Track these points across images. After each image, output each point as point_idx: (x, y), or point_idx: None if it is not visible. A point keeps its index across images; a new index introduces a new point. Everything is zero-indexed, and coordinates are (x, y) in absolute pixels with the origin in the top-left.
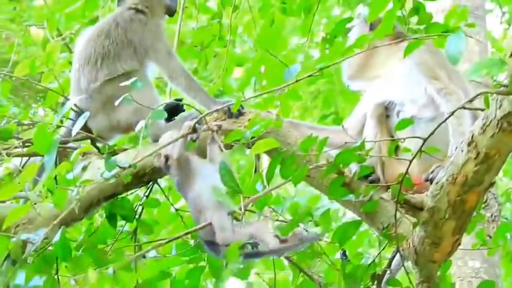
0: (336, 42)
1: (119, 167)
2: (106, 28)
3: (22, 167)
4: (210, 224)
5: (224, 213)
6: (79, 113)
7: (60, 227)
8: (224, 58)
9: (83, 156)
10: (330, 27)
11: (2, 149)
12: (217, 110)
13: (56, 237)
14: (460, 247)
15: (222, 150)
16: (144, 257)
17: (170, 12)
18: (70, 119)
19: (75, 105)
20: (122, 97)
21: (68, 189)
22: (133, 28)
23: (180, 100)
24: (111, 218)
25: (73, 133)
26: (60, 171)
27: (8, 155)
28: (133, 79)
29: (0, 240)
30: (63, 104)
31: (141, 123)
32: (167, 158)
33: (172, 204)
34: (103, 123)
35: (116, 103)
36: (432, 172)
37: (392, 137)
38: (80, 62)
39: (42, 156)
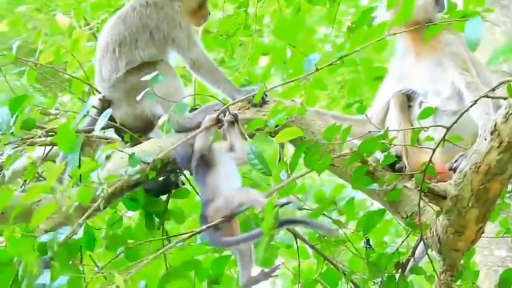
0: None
1: (143, 162)
2: (123, 14)
3: (45, 157)
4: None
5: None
6: (104, 102)
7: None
8: (250, 47)
9: (107, 144)
10: (357, 17)
11: (25, 138)
12: (240, 100)
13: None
14: (484, 236)
15: (245, 139)
16: (171, 247)
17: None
18: (95, 107)
19: (99, 93)
20: (144, 91)
21: (92, 186)
22: (148, 13)
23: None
24: (148, 219)
25: (96, 129)
26: (85, 170)
27: (32, 144)
28: (155, 73)
29: (26, 240)
30: (88, 93)
31: (164, 117)
32: (191, 149)
33: (197, 193)
34: (126, 112)
35: (138, 98)
36: (455, 161)
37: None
38: (101, 51)
39: None
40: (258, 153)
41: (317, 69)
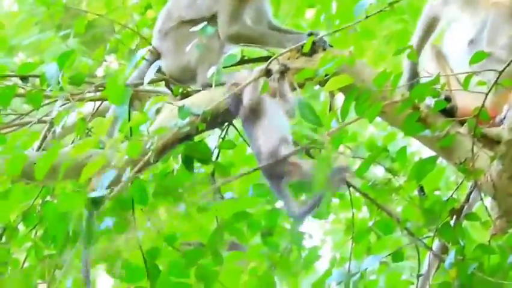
0: None
1: (193, 114)
2: None
3: (95, 112)
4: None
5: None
6: (154, 54)
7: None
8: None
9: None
10: None
11: (74, 94)
12: (289, 50)
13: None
14: None
15: (295, 89)
16: (222, 198)
17: None
18: (145, 59)
19: (150, 45)
20: (192, 43)
21: (142, 140)
22: None
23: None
24: (187, 162)
25: (145, 81)
26: (134, 123)
27: (81, 100)
28: (204, 23)
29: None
30: (135, 50)
31: (213, 68)
32: (239, 99)
33: (248, 145)
34: (174, 64)
35: (187, 49)
36: (504, 117)
37: None
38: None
39: None
40: (308, 104)
41: (367, 16)
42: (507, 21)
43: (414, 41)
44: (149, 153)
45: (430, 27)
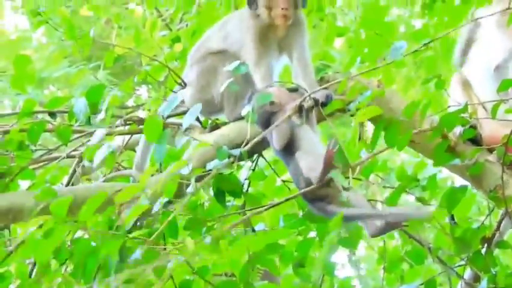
0: (436, 7)
1: (231, 155)
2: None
3: (125, 146)
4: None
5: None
6: (183, 86)
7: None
8: (323, 29)
9: (185, 131)
10: None
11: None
12: (321, 89)
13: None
14: None
15: (324, 119)
16: (253, 230)
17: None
18: (173, 91)
19: (179, 77)
20: (227, 82)
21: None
22: (233, 27)
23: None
24: (219, 195)
25: (184, 125)
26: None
27: (110, 134)
28: (237, 62)
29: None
30: (164, 82)
31: (248, 107)
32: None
33: (278, 176)
34: (200, 95)
35: (221, 89)
36: None
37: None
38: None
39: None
40: (338, 146)
41: (403, 56)
42: None
43: (455, 62)
44: (189, 197)
45: (467, 48)
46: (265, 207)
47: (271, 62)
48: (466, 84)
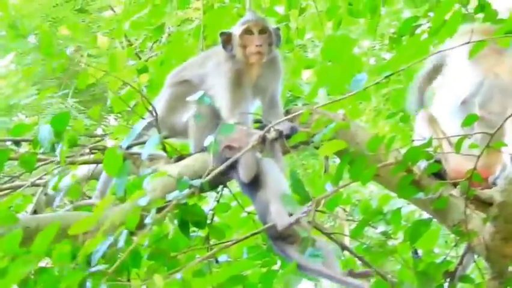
0: (402, 41)
1: (192, 185)
2: (204, 55)
3: (91, 175)
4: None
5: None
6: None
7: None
8: (292, 61)
9: (150, 161)
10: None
11: (68, 156)
12: (285, 121)
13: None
14: None
15: (289, 151)
16: (217, 261)
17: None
18: (142, 118)
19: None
20: (191, 113)
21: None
22: (209, 71)
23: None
24: (183, 225)
25: (144, 155)
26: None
27: (74, 162)
28: (201, 92)
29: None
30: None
31: (210, 138)
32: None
33: (243, 207)
34: (167, 121)
35: (184, 119)
36: (497, 177)
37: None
38: None
39: None
40: (298, 179)
41: (364, 89)
42: (501, 92)
43: (417, 80)
44: (149, 228)
45: (435, 71)
46: (231, 242)
47: (245, 107)
48: (432, 119)
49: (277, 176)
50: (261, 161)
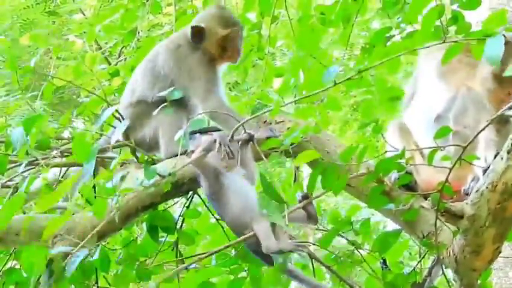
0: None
1: (159, 175)
2: (154, 53)
3: (61, 178)
4: (254, 235)
5: (266, 222)
6: (121, 121)
7: (98, 238)
8: (263, 69)
9: (121, 166)
10: (370, 38)
11: (40, 159)
12: (254, 117)
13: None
14: (501, 256)
15: (261, 158)
16: (186, 268)
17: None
18: (112, 125)
19: (117, 111)
20: (161, 106)
21: (108, 198)
22: (171, 65)
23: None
24: (152, 231)
25: (112, 141)
26: (99, 180)
27: (46, 165)
28: (171, 89)
29: (39, 251)
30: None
31: (180, 133)
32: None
33: (212, 214)
34: (136, 134)
35: (155, 113)
36: (469, 187)
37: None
38: (132, 77)
39: (81, 165)
40: (268, 183)
41: (335, 83)
42: (475, 105)
43: (404, 102)
44: (114, 212)
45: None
46: (204, 255)
47: (223, 92)
48: (403, 131)
49: (244, 190)
50: (225, 174)
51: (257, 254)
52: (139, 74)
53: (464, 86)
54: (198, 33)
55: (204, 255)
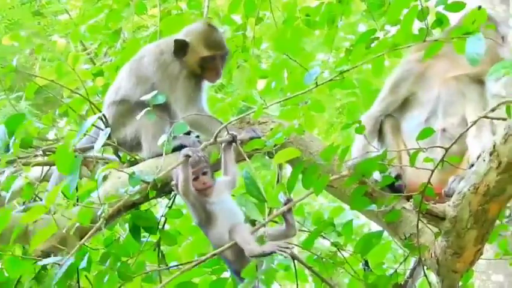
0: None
1: (144, 182)
2: (140, 55)
3: (43, 177)
4: (235, 244)
5: (246, 229)
6: (105, 122)
7: (80, 238)
8: (247, 70)
9: (103, 165)
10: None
11: (22, 157)
12: (238, 119)
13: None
14: (483, 258)
15: (244, 159)
16: (168, 269)
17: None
18: (96, 126)
19: (103, 116)
20: (144, 111)
21: (92, 206)
22: (154, 69)
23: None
24: (134, 230)
25: (96, 148)
26: (84, 191)
27: (28, 164)
28: (154, 92)
29: (27, 264)
30: (86, 115)
31: (164, 137)
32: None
33: None
34: (119, 133)
35: (138, 117)
36: (449, 187)
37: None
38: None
39: None
40: (252, 180)
41: (317, 85)
42: (458, 98)
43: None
44: (100, 221)
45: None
46: (192, 263)
47: (201, 104)
48: (396, 130)
49: (231, 212)
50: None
51: (235, 274)
52: (124, 73)
53: (444, 83)
54: (180, 47)
55: (187, 266)
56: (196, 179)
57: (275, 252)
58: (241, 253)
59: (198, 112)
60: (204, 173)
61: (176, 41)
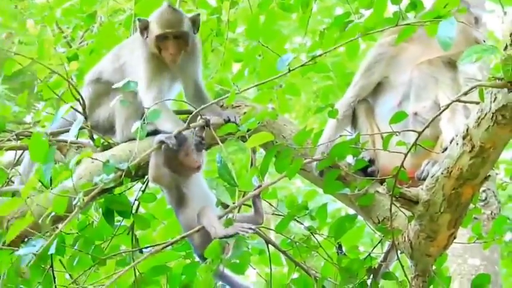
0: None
1: (118, 169)
2: (123, 43)
3: (16, 161)
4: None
5: (212, 212)
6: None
7: (54, 222)
8: (222, 54)
9: (77, 149)
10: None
11: None
12: (210, 105)
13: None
14: (457, 242)
15: (217, 143)
16: (141, 252)
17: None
18: (73, 108)
19: (78, 92)
20: (117, 98)
21: (67, 195)
22: (127, 53)
23: None
24: (108, 214)
25: (70, 136)
26: (58, 181)
27: (1, 148)
28: (126, 80)
29: (4, 254)
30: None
31: (137, 123)
32: None
33: None
34: (94, 114)
35: (111, 104)
36: (422, 171)
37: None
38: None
39: None
40: (224, 164)
41: (290, 70)
42: (430, 82)
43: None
44: (76, 210)
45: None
46: (162, 245)
47: (162, 86)
48: (369, 113)
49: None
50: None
51: (201, 258)
52: (108, 54)
53: (416, 67)
54: (143, 27)
55: (157, 249)
56: (186, 155)
57: (238, 234)
58: (208, 238)
59: (159, 94)
60: (194, 150)
61: (138, 19)
